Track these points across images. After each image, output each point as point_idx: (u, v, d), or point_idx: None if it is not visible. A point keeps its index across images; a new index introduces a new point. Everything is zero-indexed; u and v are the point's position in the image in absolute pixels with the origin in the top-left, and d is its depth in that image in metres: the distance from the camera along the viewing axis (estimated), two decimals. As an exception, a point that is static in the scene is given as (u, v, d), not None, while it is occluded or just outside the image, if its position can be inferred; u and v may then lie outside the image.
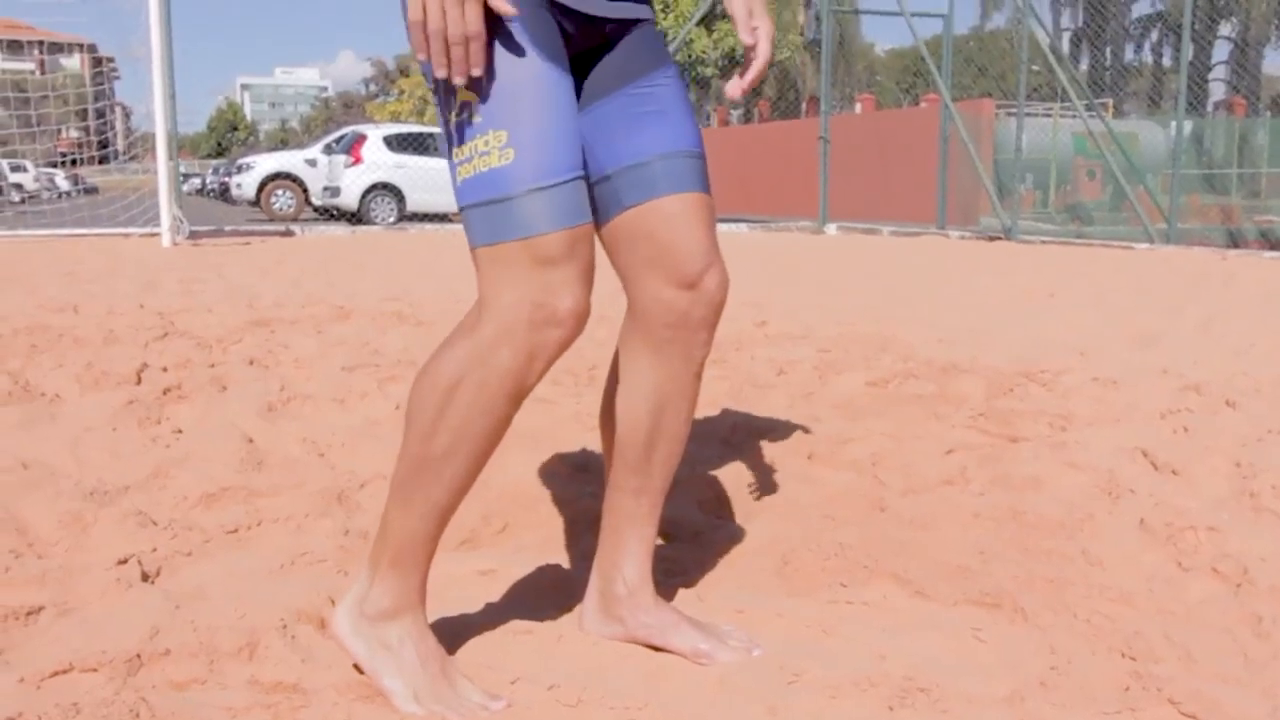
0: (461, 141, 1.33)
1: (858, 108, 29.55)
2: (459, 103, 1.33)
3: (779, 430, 2.84)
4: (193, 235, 10.56)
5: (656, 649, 1.54)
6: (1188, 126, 15.37)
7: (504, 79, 1.31)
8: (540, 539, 2.12)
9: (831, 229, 14.07)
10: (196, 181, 36.77)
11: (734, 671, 1.47)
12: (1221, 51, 33.26)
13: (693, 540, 2.09)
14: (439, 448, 1.37)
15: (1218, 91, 31.37)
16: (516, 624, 1.62)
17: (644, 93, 1.47)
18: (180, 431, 2.73)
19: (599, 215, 1.50)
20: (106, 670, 1.45)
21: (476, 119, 1.31)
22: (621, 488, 1.57)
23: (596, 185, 1.48)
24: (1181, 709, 1.37)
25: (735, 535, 2.11)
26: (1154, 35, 36.72)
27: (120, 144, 15.28)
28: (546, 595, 1.79)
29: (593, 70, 1.47)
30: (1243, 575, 1.82)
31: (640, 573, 1.58)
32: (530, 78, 1.32)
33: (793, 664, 1.49)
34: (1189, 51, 12.16)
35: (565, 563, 1.97)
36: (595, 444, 2.65)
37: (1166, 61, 36.00)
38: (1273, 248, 11.63)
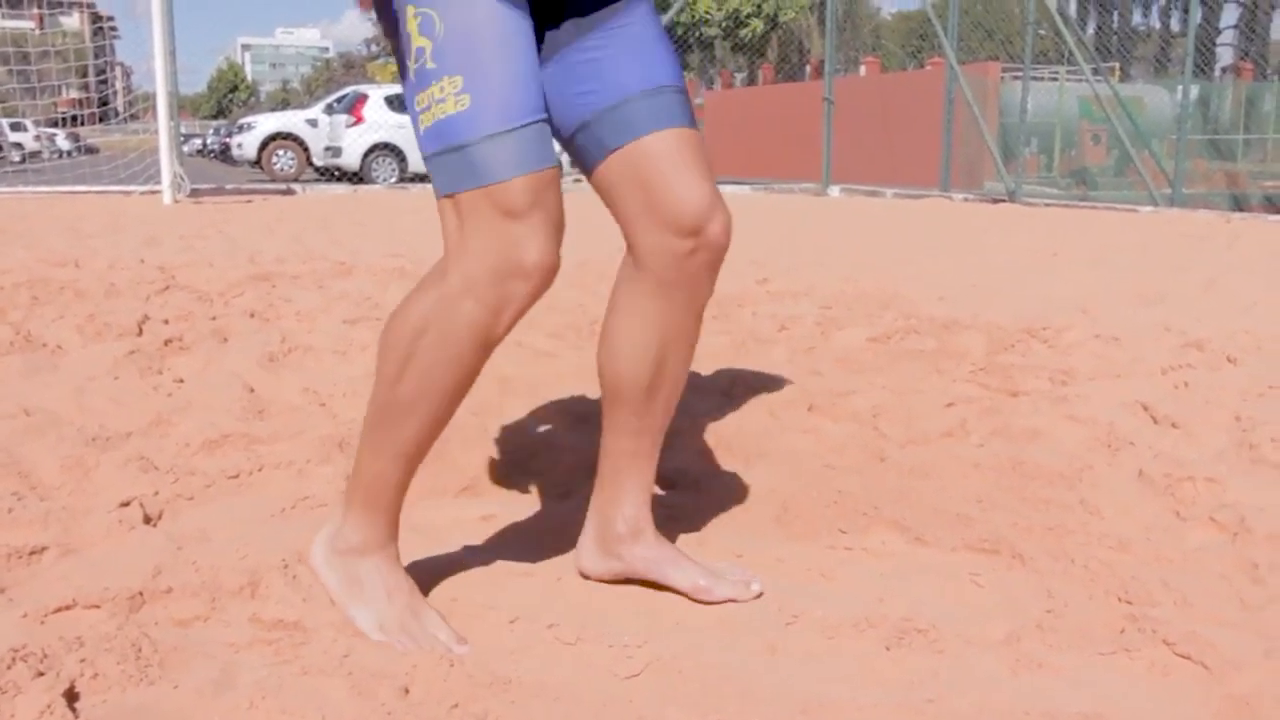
0: (420, 89, 1.30)
1: (862, 70, 29.34)
2: (414, 48, 1.30)
3: (780, 383, 2.84)
4: (194, 193, 10.52)
5: (655, 586, 1.55)
6: (1194, 91, 15.25)
7: (457, 23, 1.28)
8: (540, 486, 2.13)
9: (835, 191, 14.01)
10: (197, 142, 36.60)
11: (733, 611, 1.48)
12: (1231, 15, 32.97)
13: (693, 488, 2.09)
14: (404, 394, 1.37)
15: (1226, 56, 31.13)
16: (516, 566, 1.63)
17: (618, 30, 1.42)
18: (182, 381, 2.73)
19: (586, 163, 1.47)
20: (109, 607, 1.46)
21: (431, 65, 1.29)
22: (621, 429, 1.55)
23: (578, 133, 1.45)
24: (1176, 649, 1.38)
25: (735, 483, 2.12)
26: (1162, -1, 36.37)
27: (120, 104, 15.20)
28: (546, 539, 1.79)
29: (564, 13, 1.42)
30: (1240, 524, 1.82)
31: (640, 510, 1.58)
32: (484, 21, 1.29)
33: (792, 605, 1.50)
34: (1198, 15, 12.05)
35: (565, 509, 1.98)
36: (595, 395, 2.65)
37: (1174, 25, 35.70)
38: (1277, 212, 11.57)
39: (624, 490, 1.57)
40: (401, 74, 1.36)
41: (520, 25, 1.31)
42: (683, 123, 1.44)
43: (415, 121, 1.33)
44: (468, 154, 1.28)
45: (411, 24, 1.31)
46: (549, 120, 1.36)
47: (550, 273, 1.33)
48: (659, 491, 2.09)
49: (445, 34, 1.28)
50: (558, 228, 1.34)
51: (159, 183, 10.00)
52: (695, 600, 1.52)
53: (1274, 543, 1.75)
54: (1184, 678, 1.34)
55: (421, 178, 16.60)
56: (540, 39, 1.42)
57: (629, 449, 1.56)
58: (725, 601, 1.51)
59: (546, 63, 1.43)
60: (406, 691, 1.27)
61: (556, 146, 1.39)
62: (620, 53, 1.42)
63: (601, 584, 1.58)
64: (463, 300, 1.32)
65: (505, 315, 1.33)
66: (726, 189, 14.44)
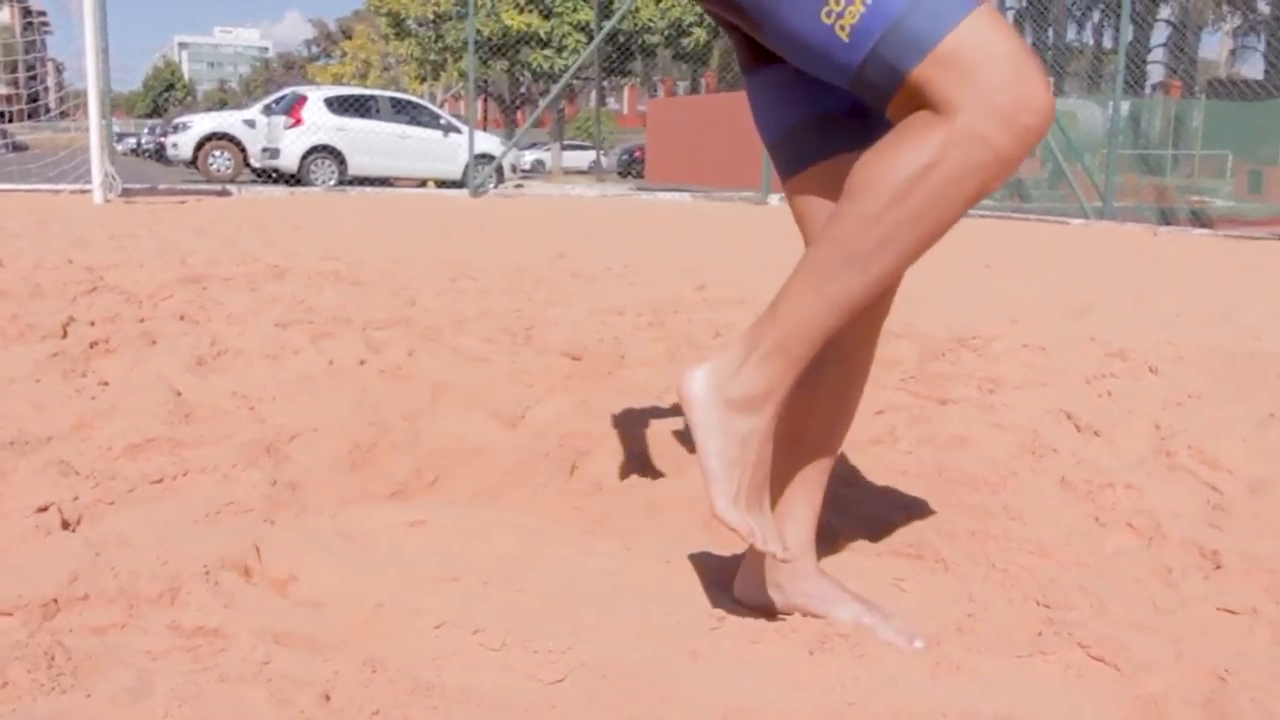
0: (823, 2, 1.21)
1: (804, 81, 29.49)
2: None
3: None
4: (126, 193, 10.33)
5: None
6: (1125, 107, 15.60)
7: None
8: (470, 491, 2.12)
9: (774, 200, 14.12)
10: (131, 141, 35.92)
11: (657, 617, 1.49)
12: (1160, 34, 33.81)
13: (621, 493, 2.10)
14: (875, 238, 1.25)
15: (1156, 74, 31.91)
16: (443, 572, 1.62)
17: None
18: (106, 384, 2.68)
19: (787, 172, 1.43)
20: (21, 614, 1.43)
21: None
22: (794, 451, 1.50)
23: (787, 139, 1.42)
24: (1090, 652, 1.41)
25: (664, 489, 2.12)
26: (1095, 16, 37.21)
27: (51, 100, 14.86)
28: (474, 545, 1.79)
29: None
30: (1155, 529, 1.87)
31: (804, 539, 1.52)
32: None
33: (716, 610, 1.51)
34: (1129, 33, 12.34)
35: (494, 515, 1.97)
36: (529, 400, 2.65)
37: (1107, 43, 36.51)
38: (1203, 226, 11.89)
39: (788, 516, 1.52)
40: (771, 10, 1.26)
41: None
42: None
43: (827, 36, 1.22)
44: (925, 4, 1.18)
45: None
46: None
47: (1052, 112, 1.20)
48: (588, 497, 2.09)
49: None
50: (1042, 67, 1.21)
51: (89, 182, 9.81)
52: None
53: (1187, 548, 1.80)
54: (1097, 679, 1.37)
55: (360, 181, 16.44)
56: None
57: (798, 474, 1.51)
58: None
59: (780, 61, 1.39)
60: (327, 698, 1.25)
61: None
62: None
63: (526, 590, 1.58)
64: (974, 141, 1.18)
65: (1015, 159, 1.20)
66: (666, 196, 14.52)
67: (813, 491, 1.53)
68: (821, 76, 1.30)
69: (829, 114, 1.42)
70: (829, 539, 1.84)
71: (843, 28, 1.21)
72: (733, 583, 1.63)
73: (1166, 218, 14.48)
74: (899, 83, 1.21)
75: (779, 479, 1.51)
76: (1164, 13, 33.60)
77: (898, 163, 1.22)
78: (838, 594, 1.51)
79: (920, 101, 1.21)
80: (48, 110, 14.96)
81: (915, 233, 1.24)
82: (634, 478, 2.18)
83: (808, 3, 1.22)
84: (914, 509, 2.01)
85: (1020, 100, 1.17)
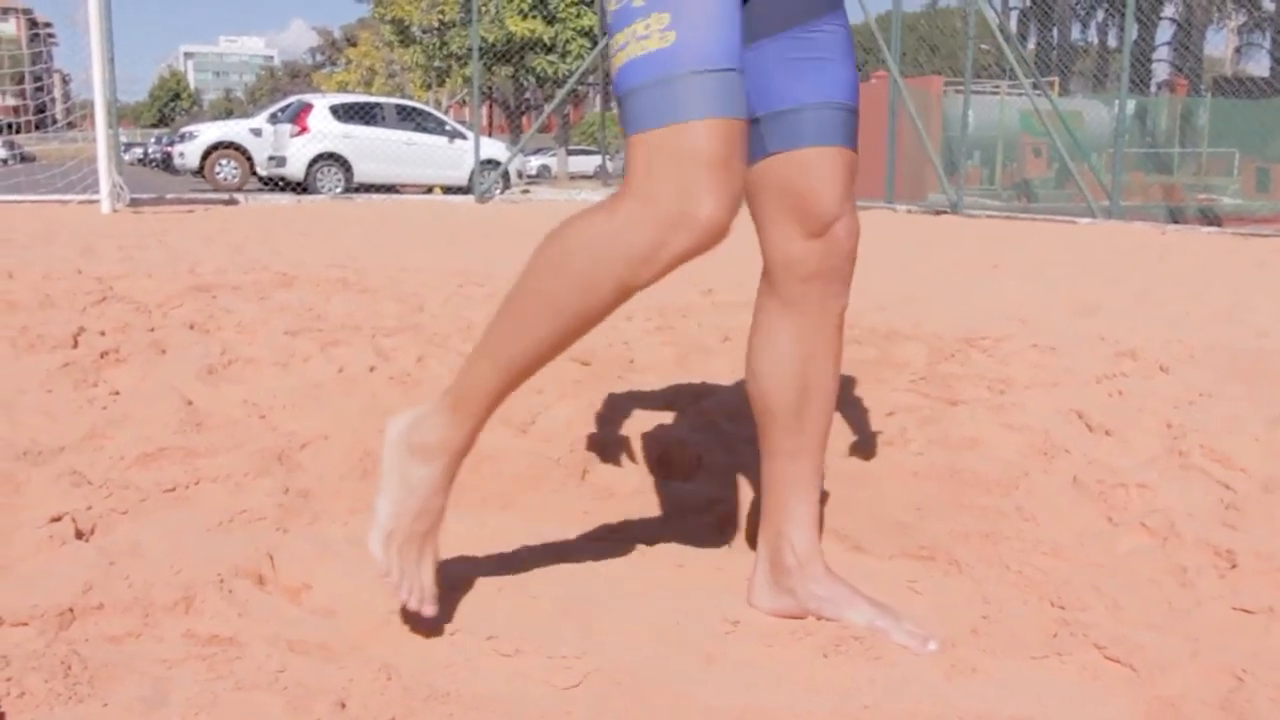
0: (620, 28, 1.27)
1: (808, 83, 29.50)
2: None
3: (723, 394, 2.86)
4: (133, 203, 10.36)
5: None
6: (1131, 105, 15.57)
7: None
8: (481, 498, 2.12)
9: (781, 203, 14.10)
10: (138, 151, 36.04)
11: (671, 621, 1.49)
12: (1165, 33, 33.75)
13: (634, 498, 2.10)
14: (533, 306, 1.32)
15: (1161, 72, 31.84)
16: (456, 578, 1.62)
17: (808, 38, 1.42)
18: (117, 394, 2.69)
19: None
20: (37, 624, 1.43)
21: (638, 3, 1.25)
22: (777, 452, 1.52)
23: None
24: (1106, 653, 1.41)
25: (677, 493, 2.12)
26: (1099, 15, 37.17)
27: (58, 111, 14.93)
28: (487, 551, 1.79)
29: (759, 5, 1.41)
30: (1169, 529, 1.86)
31: (808, 541, 1.53)
32: None
33: (730, 613, 1.51)
34: (1133, 31, 12.32)
35: (506, 520, 1.97)
36: (539, 406, 2.65)
37: (1111, 41, 36.46)
38: (1211, 224, 11.86)
39: (790, 520, 1.53)
40: (600, 16, 1.33)
41: None
42: (845, 143, 1.45)
43: (611, 63, 1.30)
44: (665, 89, 1.24)
45: None
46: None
47: (719, 233, 1.27)
48: (600, 501, 2.09)
49: None
50: (738, 192, 1.28)
51: (97, 192, 9.84)
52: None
53: (1202, 547, 1.79)
54: (1113, 680, 1.37)
55: (367, 188, 16.47)
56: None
57: (789, 474, 1.53)
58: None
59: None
60: (343, 706, 1.25)
61: None
62: (807, 60, 1.42)
63: (537, 596, 1.58)
64: (623, 235, 1.26)
65: (657, 263, 1.27)
66: (674, 200, 14.48)
67: (806, 491, 1.53)
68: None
69: (759, 118, 1.44)
70: (840, 541, 1.84)
71: (613, 64, 1.29)
72: (745, 587, 1.63)
73: (1174, 216, 14.46)
74: (627, 134, 1.29)
75: (772, 485, 1.53)
76: (1169, 10, 33.57)
77: (563, 240, 1.31)
78: (850, 596, 1.51)
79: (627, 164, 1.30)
80: (54, 121, 15.02)
81: (565, 307, 1.32)
82: (645, 483, 2.18)
83: (610, 23, 1.29)
84: (926, 510, 2.00)
85: (684, 216, 1.24)
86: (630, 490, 2.14)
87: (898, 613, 1.50)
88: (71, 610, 1.47)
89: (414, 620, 1.49)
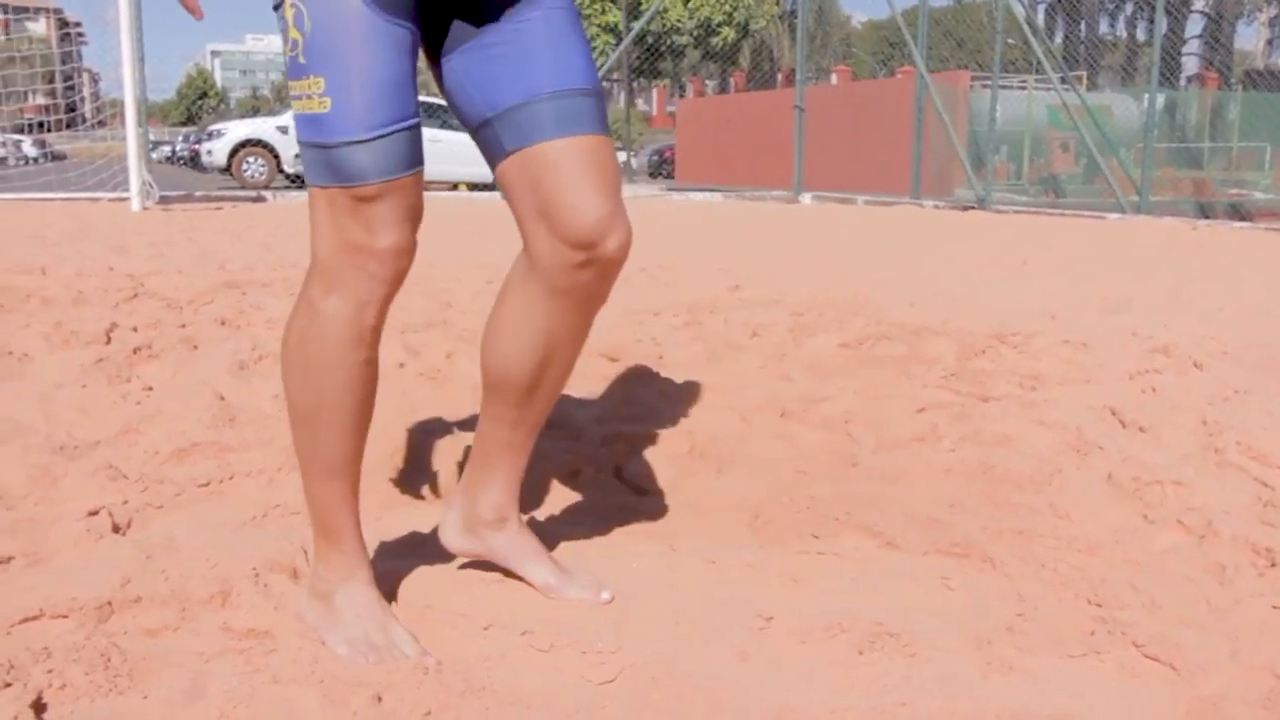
0: (295, 78, 1.31)
1: (834, 78, 29.48)
2: (289, 39, 1.30)
3: (752, 389, 2.85)
4: (163, 200, 10.44)
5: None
6: (1160, 100, 15.42)
7: (322, 23, 1.27)
8: (513, 493, 2.12)
9: (806, 199, 14.08)
10: (166, 149, 36.29)
11: (706, 617, 1.48)
12: (1195, 26, 33.40)
13: (665, 494, 2.10)
14: (307, 407, 1.40)
15: (1191, 65, 31.51)
16: (489, 574, 1.62)
17: (527, 24, 1.36)
18: (150, 389, 2.71)
19: (489, 158, 1.43)
20: (77, 616, 1.45)
21: (302, 60, 1.29)
22: (499, 419, 1.54)
23: (481, 129, 1.41)
24: (1145, 651, 1.39)
25: (707, 489, 2.12)
26: (1128, 8, 36.82)
27: (88, 110, 15.05)
28: (519, 546, 1.79)
29: (463, 7, 1.38)
30: (1206, 527, 1.84)
31: (508, 497, 1.58)
32: (350, 25, 1.27)
33: (764, 610, 1.50)
34: (1163, 25, 12.20)
35: (539, 517, 1.97)
36: (568, 402, 2.65)
37: (1140, 35, 36.13)
38: (1242, 219, 11.73)
39: (494, 476, 1.57)
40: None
41: (388, 31, 1.29)
42: (589, 129, 1.38)
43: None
44: (328, 155, 1.30)
45: (288, 13, 1.30)
46: (418, 125, 1.34)
47: (404, 256, 1.35)
48: (632, 498, 2.09)
49: (312, 31, 1.28)
50: (414, 217, 1.36)
51: (127, 190, 9.91)
52: (546, 597, 1.54)
53: (1239, 545, 1.77)
54: (1152, 679, 1.36)
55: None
56: (445, 29, 1.39)
57: (504, 440, 1.56)
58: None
59: (452, 53, 1.40)
60: (379, 699, 1.26)
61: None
62: (530, 49, 1.36)
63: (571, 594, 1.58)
64: (327, 298, 1.35)
65: (371, 307, 1.35)
66: (699, 196, 14.49)
67: (517, 455, 1.57)
68: None
69: (489, 120, 1.41)
70: (873, 537, 1.84)
71: (294, 108, 1.33)
72: (779, 583, 1.63)
73: (1204, 211, 14.31)
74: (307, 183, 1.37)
75: (483, 443, 1.57)
76: (1199, 3, 33.22)
77: (289, 337, 1.41)
78: (534, 551, 1.58)
79: None
80: (84, 120, 15.15)
81: (330, 389, 1.39)
82: (675, 479, 2.18)
83: (288, 70, 1.33)
84: (959, 507, 1.99)
85: (360, 250, 1.33)
86: (662, 486, 2.14)
87: (572, 572, 1.57)
88: (110, 603, 1.48)
89: (448, 615, 1.49)
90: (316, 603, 1.46)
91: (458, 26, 1.39)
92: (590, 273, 1.40)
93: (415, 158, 1.34)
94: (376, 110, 1.29)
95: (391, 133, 1.30)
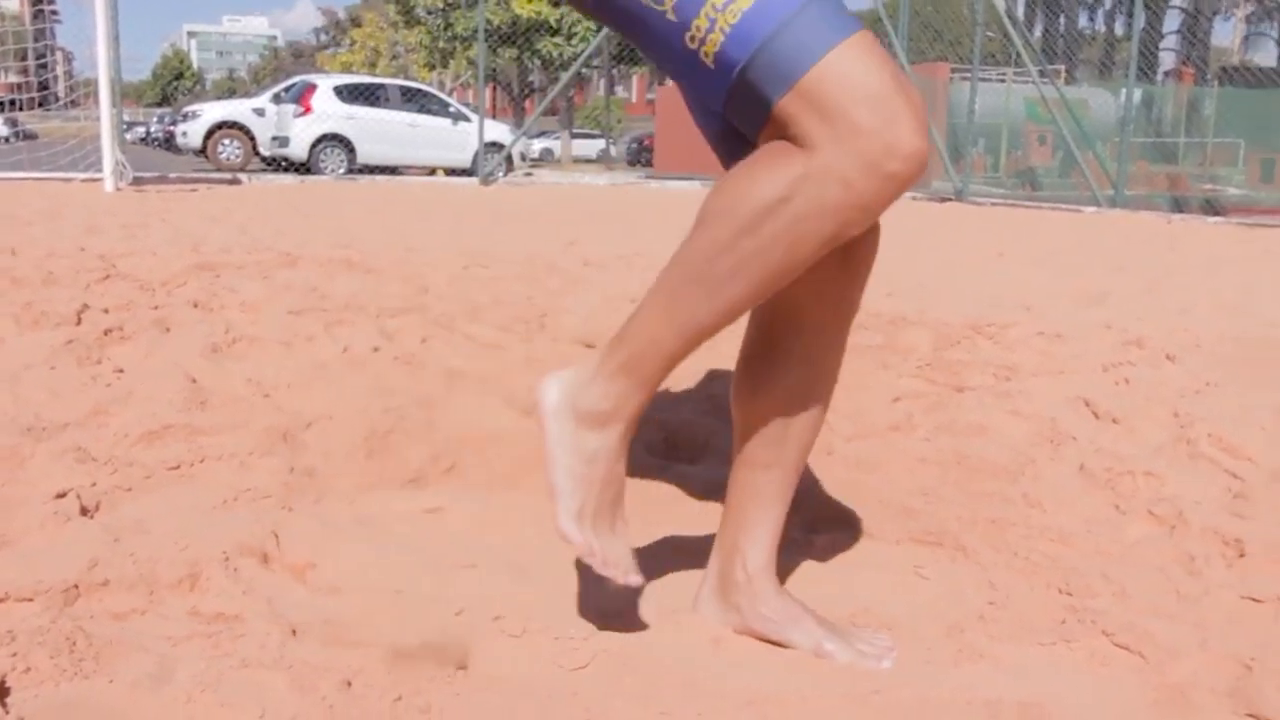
0: (689, 19, 1.17)
1: (814, 69, 29.38)
2: (653, 10, 1.19)
3: (728, 379, 2.84)
4: (136, 181, 10.34)
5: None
6: (1137, 94, 15.52)
7: None
8: (486, 479, 2.12)
9: (785, 188, 14.06)
10: (141, 130, 35.96)
11: (678, 603, 1.48)
12: (1173, 21, 33.60)
13: (640, 480, 2.09)
14: (726, 266, 1.21)
15: (1168, 61, 31.73)
16: (462, 558, 1.62)
17: None
18: (121, 371, 2.68)
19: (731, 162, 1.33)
20: (43, 600, 1.43)
21: (672, 16, 1.18)
22: (752, 462, 1.42)
23: (724, 136, 1.33)
24: (1114, 640, 1.40)
25: (682, 477, 2.12)
26: (1107, 3, 37.02)
27: (61, 89, 14.88)
28: (492, 532, 1.79)
29: None
30: (1177, 517, 1.86)
31: (764, 558, 1.43)
32: None
33: (737, 597, 1.50)
34: (1141, 20, 12.27)
35: (511, 501, 1.97)
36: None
37: (1119, 30, 36.34)
38: (1216, 214, 11.82)
39: (747, 533, 1.43)
40: (640, 30, 1.24)
41: None
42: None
43: (696, 59, 1.20)
44: (794, 28, 1.14)
45: None
46: None
47: (924, 159, 1.15)
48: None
49: None
50: (920, 107, 1.16)
51: (100, 170, 9.81)
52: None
53: (1209, 535, 1.78)
54: (1122, 667, 1.37)
55: (370, 169, 16.44)
56: None
57: (758, 486, 1.43)
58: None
59: None
60: (348, 684, 1.25)
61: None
62: None
63: (543, 577, 1.57)
64: (830, 181, 1.15)
65: (875, 207, 1.16)
66: (677, 185, 14.49)
67: (772, 506, 1.43)
68: (705, 100, 1.27)
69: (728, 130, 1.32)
70: (847, 526, 1.84)
71: (707, 54, 1.18)
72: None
73: (1180, 205, 14.41)
74: (767, 114, 1.18)
75: (737, 493, 1.44)
76: (1176, -1, 33.42)
77: (750, 192, 1.19)
78: (799, 616, 1.41)
79: (786, 134, 1.17)
80: (57, 99, 14.97)
81: (765, 265, 1.21)
82: (651, 465, 2.18)
83: (670, 27, 1.19)
84: (933, 496, 2.00)
85: (887, 146, 1.13)
86: (636, 472, 2.13)
87: (848, 631, 1.43)
88: (77, 586, 1.46)
89: (419, 600, 1.48)
90: (569, 420, 1.30)
91: None
92: (847, 277, 1.45)
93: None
94: None
95: None
